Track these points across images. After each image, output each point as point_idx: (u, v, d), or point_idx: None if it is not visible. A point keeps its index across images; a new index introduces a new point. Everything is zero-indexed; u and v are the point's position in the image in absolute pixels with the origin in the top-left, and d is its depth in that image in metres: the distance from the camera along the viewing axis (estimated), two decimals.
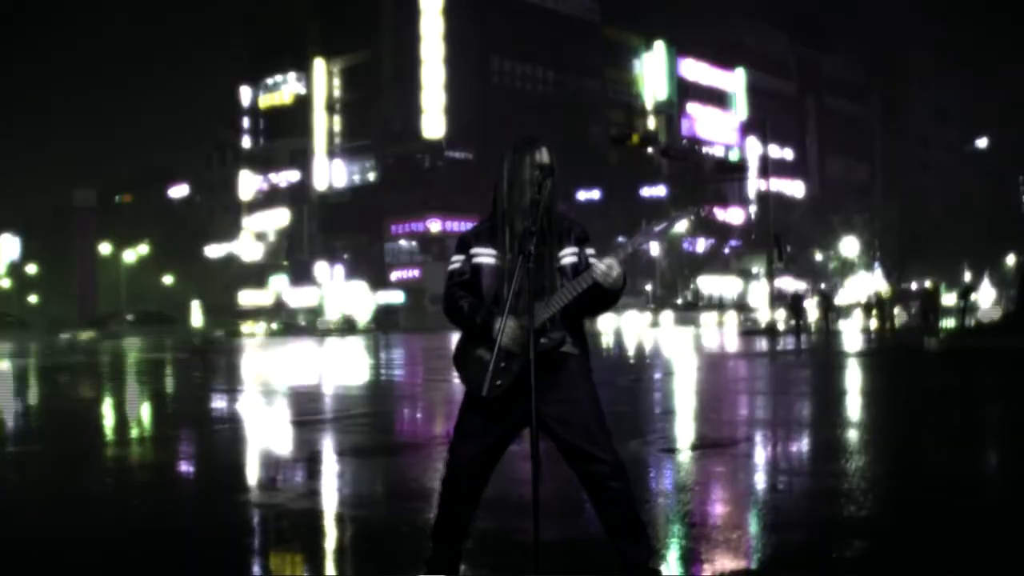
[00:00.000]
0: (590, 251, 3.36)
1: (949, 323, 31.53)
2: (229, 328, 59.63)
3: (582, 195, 59.43)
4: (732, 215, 68.37)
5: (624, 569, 3.30)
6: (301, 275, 67.44)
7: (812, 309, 36.18)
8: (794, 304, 31.17)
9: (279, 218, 72.89)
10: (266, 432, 9.35)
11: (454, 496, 3.39)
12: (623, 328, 44.62)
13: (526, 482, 3.14)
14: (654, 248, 57.28)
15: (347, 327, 56.27)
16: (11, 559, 4.50)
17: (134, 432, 9.71)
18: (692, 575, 3.95)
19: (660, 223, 3.34)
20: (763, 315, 34.66)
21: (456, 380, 3.40)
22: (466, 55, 63.45)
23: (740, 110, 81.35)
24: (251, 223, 74.61)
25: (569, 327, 3.32)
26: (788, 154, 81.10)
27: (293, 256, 70.63)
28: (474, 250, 3.39)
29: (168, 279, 74.17)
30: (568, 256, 3.33)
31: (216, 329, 54.03)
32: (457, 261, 3.43)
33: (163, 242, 73.50)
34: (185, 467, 7.64)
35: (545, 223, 3.30)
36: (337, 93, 70.80)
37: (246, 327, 60.73)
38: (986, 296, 56.35)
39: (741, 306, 35.86)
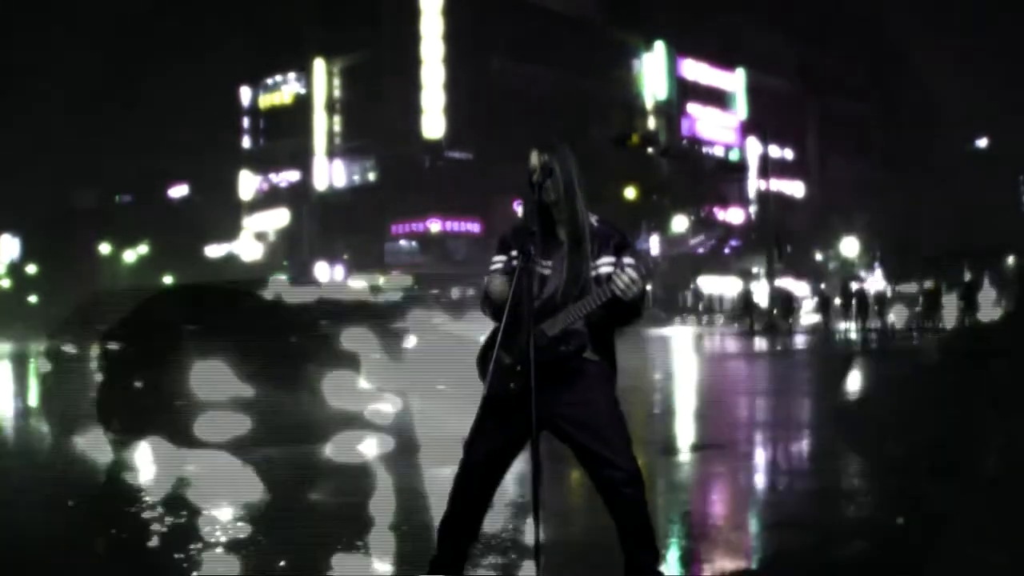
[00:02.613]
0: (629, 260, 3.34)
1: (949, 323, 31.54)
2: None
3: None
4: (732, 215, 68.35)
5: (629, 571, 3.30)
6: (301, 275, 67.41)
7: (812, 308, 36.35)
8: (786, 303, 31.55)
9: (279, 218, 72.88)
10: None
11: (463, 495, 3.38)
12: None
13: (526, 482, 3.14)
14: (654, 249, 57.27)
15: None
16: (10, 557, 4.50)
17: None
18: (692, 575, 3.95)
19: (686, 241, 3.36)
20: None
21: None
22: (466, 55, 63.44)
23: (740, 110, 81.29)
24: (251, 223, 74.60)
25: (596, 336, 3.32)
26: (788, 154, 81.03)
27: (293, 256, 70.63)
28: (514, 252, 3.39)
29: (168, 279, 74.16)
30: (604, 266, 3.32)
31: None
32: (499, 261, 3.45)
33: (163, 242, 73.50)
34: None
35: (575, 229, 3.32)
36: (337, 93, 70.80)
37: None
38: (986, 296, 56.29)
39: (745, 305, 35.98)
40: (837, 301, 34.35)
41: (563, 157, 3.37)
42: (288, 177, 72.39)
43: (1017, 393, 11.96)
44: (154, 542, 4.78)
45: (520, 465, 3.45)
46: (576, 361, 3.27)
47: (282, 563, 4.40)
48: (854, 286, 32.92)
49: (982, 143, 60.39)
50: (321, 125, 70.38)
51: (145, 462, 7.41)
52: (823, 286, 54.00)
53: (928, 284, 37.32)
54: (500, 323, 3.27)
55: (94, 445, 7.93)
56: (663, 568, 3.83)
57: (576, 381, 3.27)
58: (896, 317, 37.10)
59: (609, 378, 3.37)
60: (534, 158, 3.37)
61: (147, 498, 5.90)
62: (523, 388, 3.19)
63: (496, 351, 3.23)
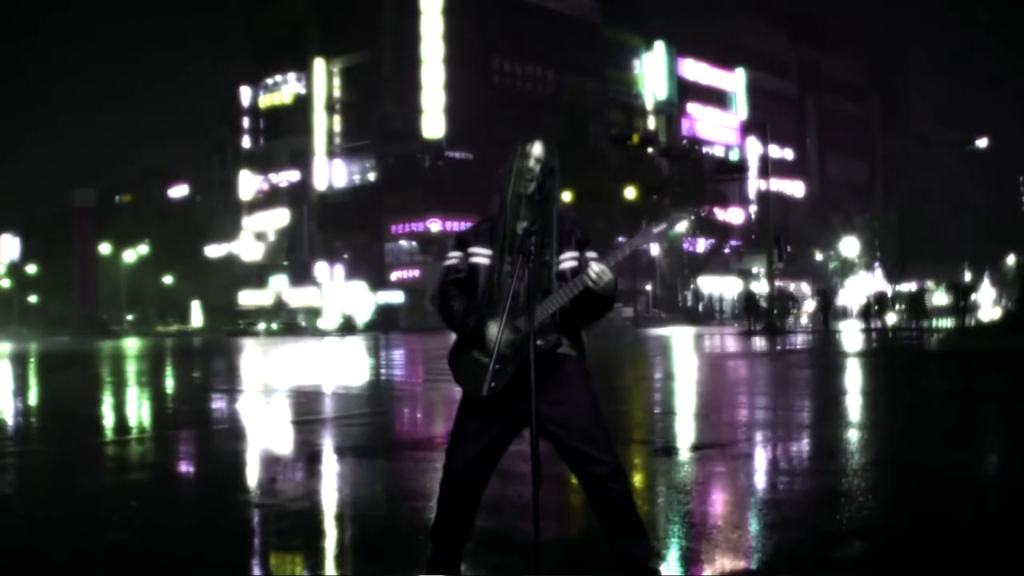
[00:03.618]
0: (591, 255, 3.32)
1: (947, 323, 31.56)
2: (237, 327, 59.66)
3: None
4: (732, 215, 68.38)
5: (623, 569, 3.30)
6: (301, 275, 67.45)
7: (812, 308, 36.49)
8: (784, 303, 31.82)
9: (279, 218, 72.89)
10: (266, 432, 9.36)
11: (452, 500, 3.36)
12: (624, 330, 44.65)
13: (526, 482, 3.14)
14: (654, 248, 57.24)
15: (347, 327, 56.29)
16: (10, 556, 4.50)
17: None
18: (692, 575, 3.95)
19: (659, 224, 3.32)
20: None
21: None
22: (466, 55, 63.42)
23: (740, 110, 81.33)
24: (251, 223, 74.60)
25: (566, 331, 3.31)
26: (788, 154, 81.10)
27: (293, 256, 70.63)
28: (472, 249, 3.38)
29: (168, 279, 74.19)
30: (568, 260, 3.31)
31: (220, 328, 54.22)
32: (454, 258, 3.41)
33: (163, 242, 73.56)
34: (185, 467, 7.64)
35: (545, 224, 3.30)
36: (337, 93, 70.79)
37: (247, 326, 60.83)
38: (986, 296, 56.33)
39: (748, 306, 36.05)
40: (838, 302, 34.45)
41: (556, 156, 3.37)
42: (288, 177, 72.44)
43: (1015, 391, 11.96)
44: None
45: (519, 464, 3.45)
46: (554, 357, 3.26)
47: (277, 563, 4.40)
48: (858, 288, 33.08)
49: (982, 143, 60.44)
50: (321, 125, 70.44)
51: None
52: (823, 286, 54.16)
53: (913, 287, 37.67)
54: (470, 328, 3.26)
55: None
56: (663, 568, 3.83)
57: (558, 379, 3.25)
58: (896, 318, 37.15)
59: (587, 374, 3.36)
60: (539, 149, 3.35)
61: None
62: (504, 387, 3.19)
63: (496, 352, 3.22)
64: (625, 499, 3.28)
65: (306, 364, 22.76)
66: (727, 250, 68.11)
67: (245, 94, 76.02)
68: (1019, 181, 76.85)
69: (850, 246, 57.91)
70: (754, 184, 68.38)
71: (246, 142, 76.68)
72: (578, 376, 3.31)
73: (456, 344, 3.38)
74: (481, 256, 3.35)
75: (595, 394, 3.34)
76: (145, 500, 5.95)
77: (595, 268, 3.15)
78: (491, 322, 3.24)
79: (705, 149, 72.97)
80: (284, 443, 8.57)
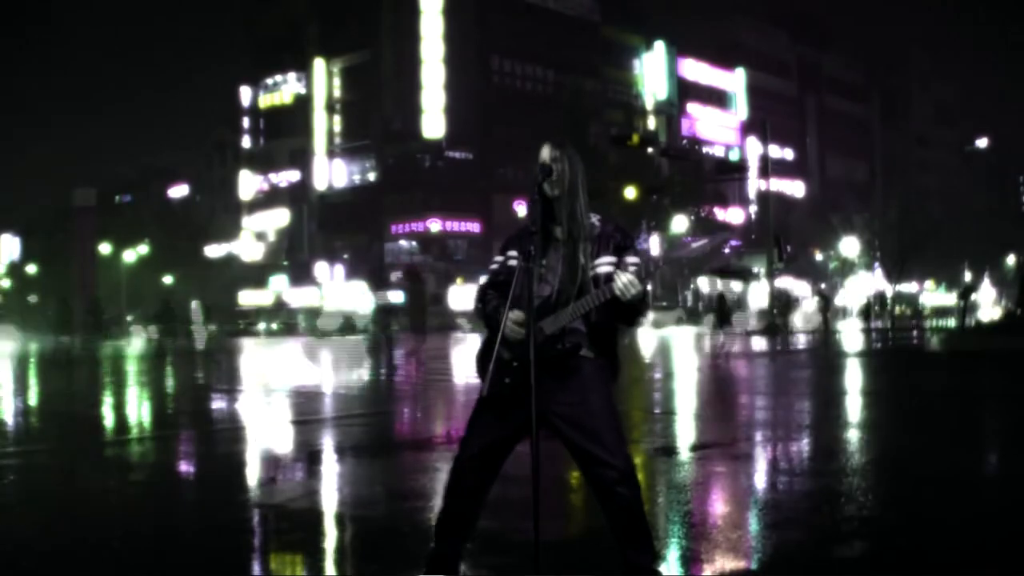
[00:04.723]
0: (632, 260, 3.32)
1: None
2: (237, 327, 59.62)
3: None
4: (732, 215, 68.34)
5: (626, 570, 3.30)
6: (301, 275, 67.41)
7: (812, 309, 36.40)
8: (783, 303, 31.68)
9: (279, 218, 72.88)
10: (266, 432, 9.35)
11: (459, 490, 3.40)
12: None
13: (526, 482, 3.15)
14: (654, 248, 57.23)
15: (346, 327, 56.28)
16: (10, 556, 4.49)
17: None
18: (692, 575, 3.95)
19: (699, 241, 3.36)
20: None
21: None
22: (466, 55, 63.40)
23: (740, 110, 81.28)
24: (251, 223, 74.58)
25: (597, 336, 3.32)
26: (788, 154, 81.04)
27: (293, 256, 70.61)
28: (510, 252, 3.44)
29: (168, 279, 74.16)
30: (604, 265, 3.31)
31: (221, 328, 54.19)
32: (497, 262, 3.49)
33: (163, 242, 73.45)
34: (185, 467, 7.64)
35: (573, 228, 3.33)
36: (337, 93, 70.77)
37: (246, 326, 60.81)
38: (986, 296, 56.36)
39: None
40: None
41: (569, 158, 3.39)
42: (288, 177, 72.42)
43: (1015, 391, 11.96)
44: None
45: (519, 464, 3.45)
46: (573, 359, 3.27)
47: (277, 563, 4.40)
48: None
49: (982, 143, 60.42)
50: (321, 125, 70.42)
51: None
52: (823, 286, 54.18)
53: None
54: (498, 325, 3.30)
55: None
56: (662, 568, 3.83)
57: (572, 379, 3.27)
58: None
59: (606, 377, 3.36)
60: (545, 152, 3.38)
61: None
62: (518, 384, 3.21)
63: (496, 349, 3.24)
64: (633, 505, 3.26)
65: (306, 364, 22.75)
66: (727, 250, 68.10)
67: (245, 94, 75.99)
68: (1019, 181, 76.85)
69: (850, 246, 57.87)
70: (754, 184, 68.33)
71: (246, 142, 76.65)
72: (595, 379, 3.31)
73: (483, 343, 3.43)
74: (515, 258, 3.40)
75: (612, 397, 3.34)
76: (145, 500, 5.96)
77: (622, 279, 3.14)
78: (504, 318, 3.28)
79: (705, 149, 72.93)
80: (284, 443, 8.57)
